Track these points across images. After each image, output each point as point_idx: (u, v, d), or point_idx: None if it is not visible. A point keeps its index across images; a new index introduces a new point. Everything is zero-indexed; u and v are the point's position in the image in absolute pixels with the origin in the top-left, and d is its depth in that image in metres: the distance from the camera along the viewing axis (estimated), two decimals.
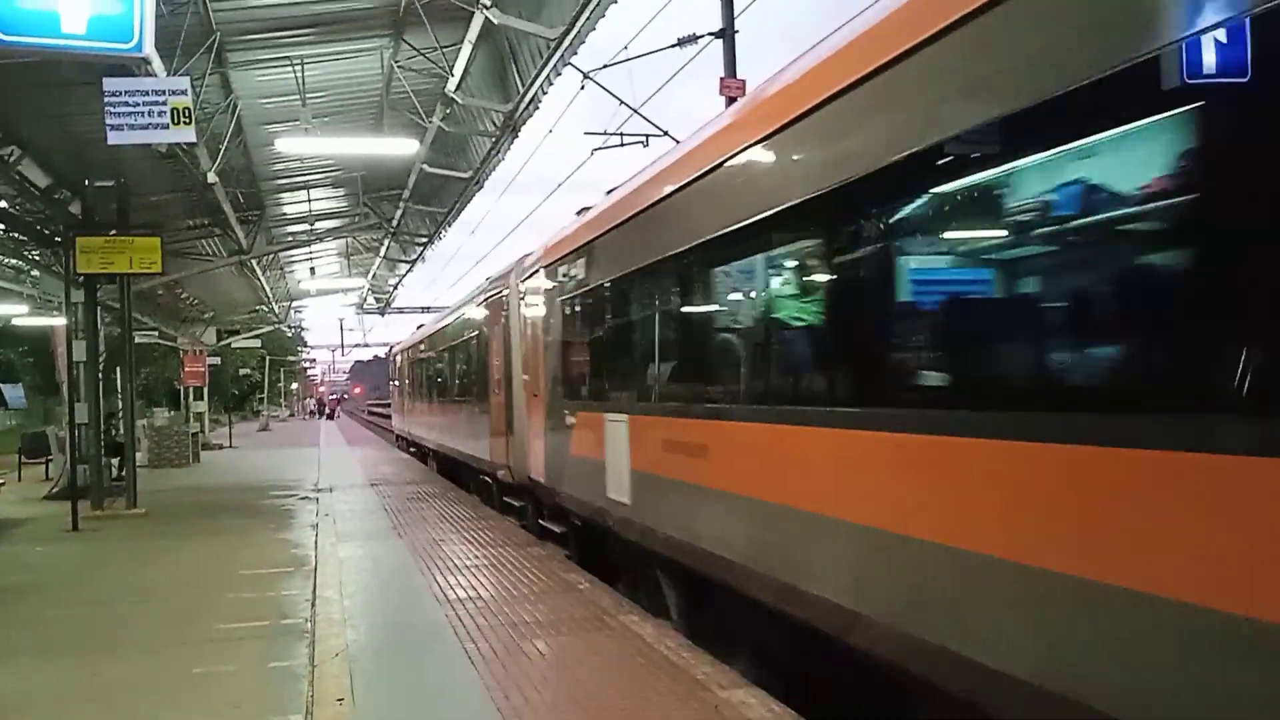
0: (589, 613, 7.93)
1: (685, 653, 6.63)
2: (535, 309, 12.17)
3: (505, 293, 14.25)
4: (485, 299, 15.94)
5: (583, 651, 6.78)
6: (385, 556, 11.05)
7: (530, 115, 15.63)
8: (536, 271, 11.98)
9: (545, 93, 14.77)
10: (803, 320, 5.71)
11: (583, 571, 9.85)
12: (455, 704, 5.84)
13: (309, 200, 23.62)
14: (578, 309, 10.30)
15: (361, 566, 10.40)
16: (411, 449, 31.14)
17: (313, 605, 8.50)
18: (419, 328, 31.48)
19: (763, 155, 5.94)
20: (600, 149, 17.43)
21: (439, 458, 23.92)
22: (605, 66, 15.43)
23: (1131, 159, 3.35)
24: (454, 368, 20.64)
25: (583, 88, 15.07)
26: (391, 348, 40.20)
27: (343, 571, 10.03)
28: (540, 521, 12.64)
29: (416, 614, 8.14)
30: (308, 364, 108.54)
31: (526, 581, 9.31)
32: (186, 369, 34.85)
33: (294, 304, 44.54)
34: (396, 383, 36.64)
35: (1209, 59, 2.93)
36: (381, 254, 31.13)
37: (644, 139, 16.82)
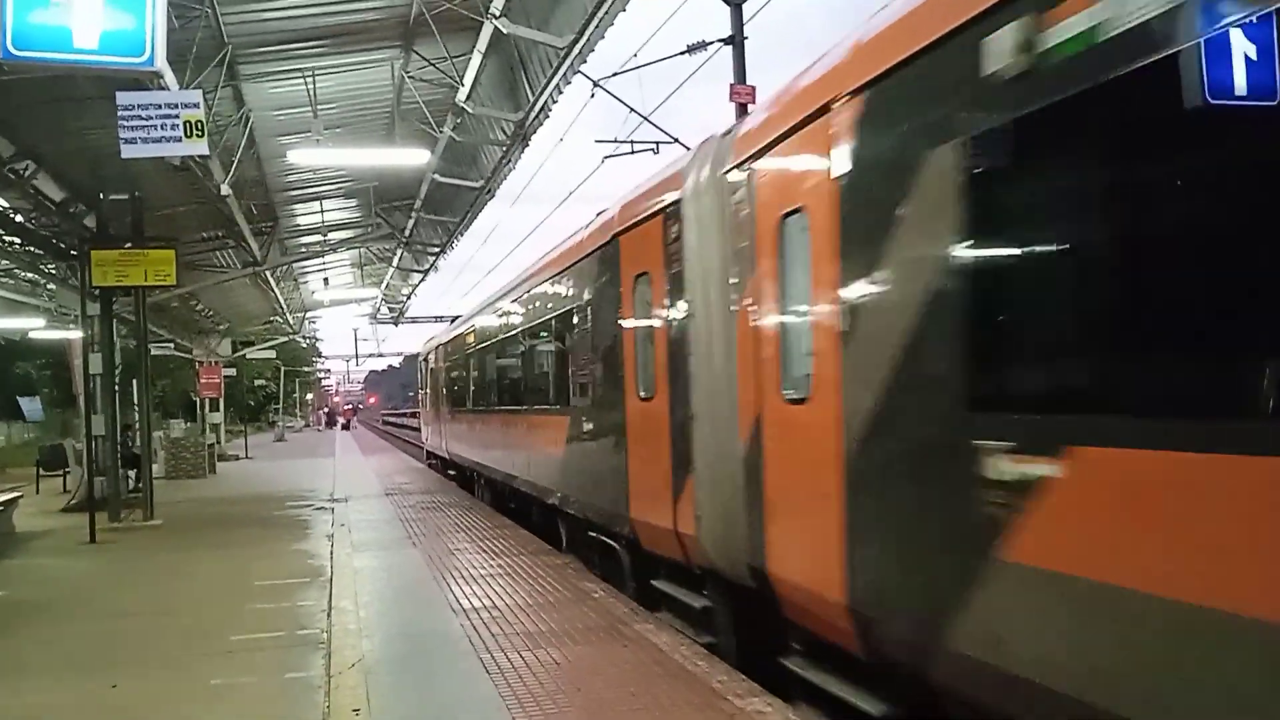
0: (605, 622, 7.92)
1: (701, 661, 6.61)
2: (808, 209, 5.50)
3: (669, 211, 7.74)
4: (612, 236, 9.18)
5: (599, 661, 6.77)
6: (400, 566, 11.05)
7: (540, 124, 15.66)
8: (820, 117, 5.36)
9: (555, 101, 14.80)
10: None
11: (598, 580, 9.83)
12: (471, 714, 5.83)
13: (322, 211, 23.72)
14: None
15: (377, 577, 10.41)
16: (451, 471, 24.80)
17: (329, 616, 8.51)
18: (453, 322, 25.47)
19: None
20: (611, 157, 17.47)
21: (494, 488, 17.64)
22: (615, 74, 15.49)
23: None
24: (535, 360, 13.75)
25: (593, 96, 15.14)
26: (423, 348, 31.17)
27: (358, 582, 10.03)
28: (782, 661, 6.21)
29: (432, 624, 8.13)
30: (322, 374, 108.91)
31: (541, 590, 9.30)
32: (202, 380, 34.97)
33: (308, 315, 44.69)
34: (429, 390, 28.45)
35: None
36: (394, 264, 31.21)
37: (654, 146, 16.86)
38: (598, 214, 10.34)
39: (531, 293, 13.37)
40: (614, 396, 9.14)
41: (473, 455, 19.49)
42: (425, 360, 29.33)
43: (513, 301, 14.77)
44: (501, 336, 15.86)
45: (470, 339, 19.35)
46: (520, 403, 14.35)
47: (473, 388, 19.45)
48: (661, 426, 7.84)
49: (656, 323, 8.06)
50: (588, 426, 10.30)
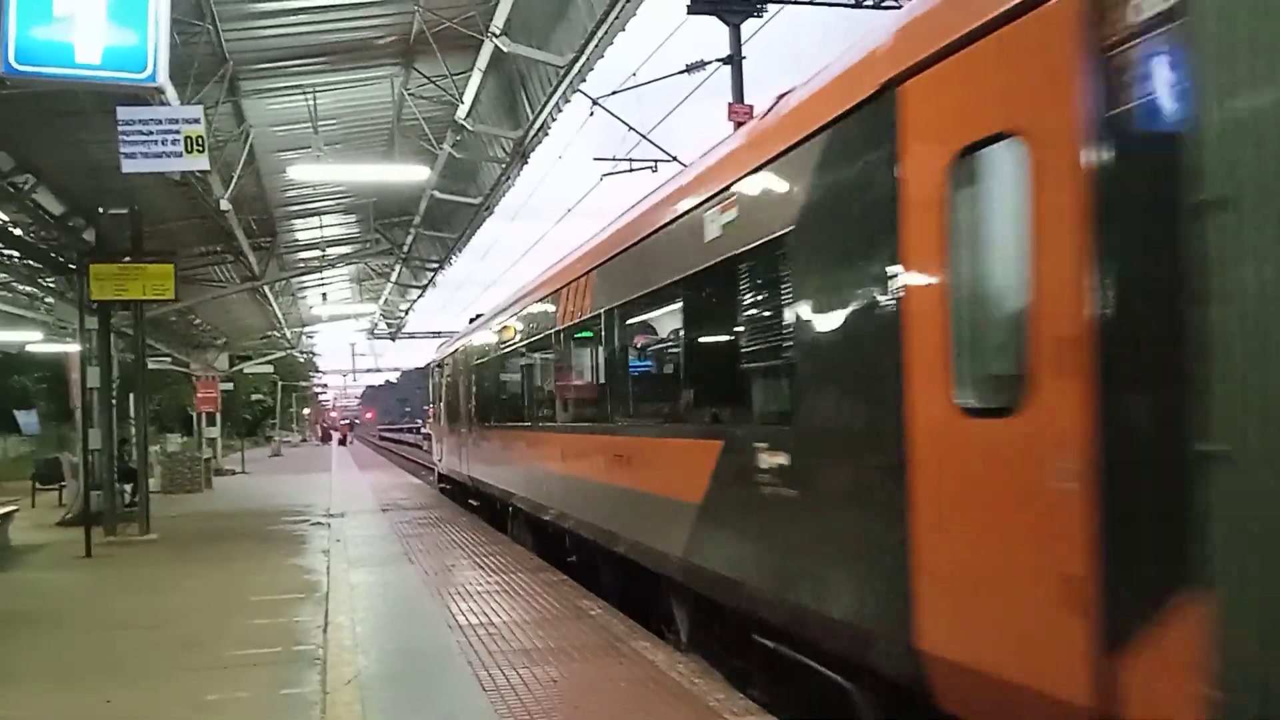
0: (601, 639, 7.90)
1: (698, 679, 6.60)
2: None
3: None
4: (879, 89, 4.77)
5: (595, 678, 6.75)
6: (397, 582, 11.03)
7: (540, 141, 15.72)
8: None
9: (554, 119, 14.88)
10: None
11: (595, 597, 9.82)
12: None
13: (321, 226, 23.79)
14: None
15: (373, 592, 10.39)
16: (472, 501, 20.11)
17: (324, 631, 8.49)
18: (472, 323, 20.36)
19: None
20: (610, 174, 17.55)
21: (540, 529, 13.42)
22: (614, 93, 15.59)
23: None
24: (643, 352, 9.02)
25: (592, 114, 15.21)
26: (436, 354, 26.08)
27: (354, 597, 10.01)
28: None
29: (428, 640, 8.11)
30: (319, 389, 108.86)
31: (538, 607, 9.28)
32: (199, 395, 34.93)
33: (306, 329, 44.71)
34: (444, 402, 23.29)
35: None
36: (393, 279, 31.27)
37: (653, 164, 16.93)
38: (787, 92, 6.17)
39: (640, 246, 8.46)
40: (862, 407, 4.95)
41: (513, 486, 14.69)
42: (440, 367, 24.40)
43: (593, 270, 10.01)
44: (570, 324, 11.02)
45: (512, 334, 14.68)
46: (609, 418, 9.43)
47: (515, 398, 14.82)
48: (1059, 474, 3.67)
49: (1038, 246, 3.84)
50: (774, 462, 5.74)
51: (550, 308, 11.98)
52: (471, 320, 20.57)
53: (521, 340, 13.86)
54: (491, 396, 16.96)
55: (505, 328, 15.23)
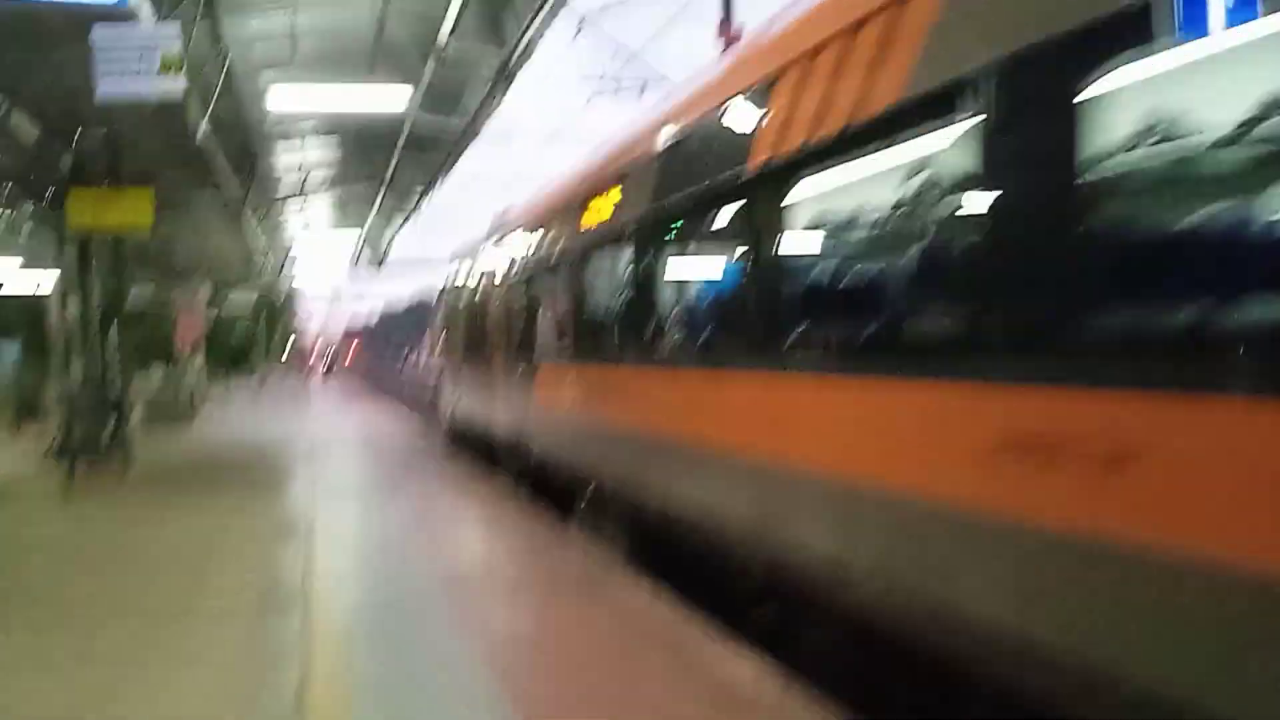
0: (587, 577, 7.89)
1: (680, 619, 6.58)
2: None
3: None
4: None
5: (580, 616, 6.74)
6: (379, 519, 10.94)
7: (525, 62, 15.35)
8: None
9: (540, 38, 14.49)
10: None
11: (578, 535, 9.76)
12: (448, 670, 5.76)
13: (303, 150, 23.33)
14: None
15: (355, 530, 10.31)
16: (498, 460, 14.20)
17: (306, 571, 8.39)
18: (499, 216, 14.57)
19: None
20: (597, 94, 17.17)
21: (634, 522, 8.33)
22: (601, 10, 15.17)
23: None
24: None
25: (579, 31, 14.81)
26: (451, 265, 18.67)
27: (336, 536, 9.93)
28: None
29: (410, 580, 8.05)
30: (304, 319, 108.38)
31: (523, 545, 9.23)
32: (182, 326, 34.60)
33: (289, 259, 44.30)
34: (470, 328, 16.09)
35: None
36: (376, 206, 30.84)
37: (642, 84, 16.57)
38: None
39: None
40: None
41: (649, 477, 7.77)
42: (458, 288, 17.55)
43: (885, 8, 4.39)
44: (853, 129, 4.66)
45: (634, 208, 7.86)
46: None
47: (653, 313, 7.67)
48: None
49: None
50: None
51: (737, 130, 6.02)
52: (491, 225, 14.89)
53: (680, 206, 7.05)
54: (595, 317, 9.43)
55: (609, 197, 8.60)
